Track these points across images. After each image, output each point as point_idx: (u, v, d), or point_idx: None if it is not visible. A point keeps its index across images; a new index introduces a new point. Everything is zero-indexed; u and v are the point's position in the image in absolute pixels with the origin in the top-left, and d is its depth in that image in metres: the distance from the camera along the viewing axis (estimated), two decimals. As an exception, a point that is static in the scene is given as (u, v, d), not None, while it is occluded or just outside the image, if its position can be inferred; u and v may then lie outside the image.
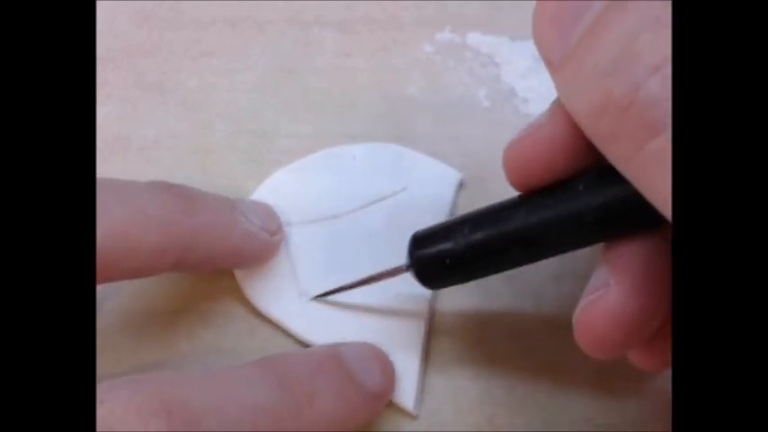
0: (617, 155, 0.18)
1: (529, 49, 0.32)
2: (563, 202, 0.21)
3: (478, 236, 0.22)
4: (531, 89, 0.31)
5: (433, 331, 0.27)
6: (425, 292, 0.27)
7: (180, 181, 0.26)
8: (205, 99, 0.32)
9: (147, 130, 0.31)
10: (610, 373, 0.26)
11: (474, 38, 0.32)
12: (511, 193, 0.28)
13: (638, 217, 0.20)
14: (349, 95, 0.31)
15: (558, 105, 0.21)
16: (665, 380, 0.26)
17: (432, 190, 0.28)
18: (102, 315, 0.28)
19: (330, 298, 0.27)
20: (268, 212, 0.27)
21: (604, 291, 0.20)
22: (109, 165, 0.30)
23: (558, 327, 0.27)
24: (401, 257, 0.25)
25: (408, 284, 0.27)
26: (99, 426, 0.19)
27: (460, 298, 0.28)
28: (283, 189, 0.29)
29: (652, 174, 0.17)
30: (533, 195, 0.21)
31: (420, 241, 0.23)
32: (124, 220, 0.23)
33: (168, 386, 0.21)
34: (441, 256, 0.23)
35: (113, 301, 0.28)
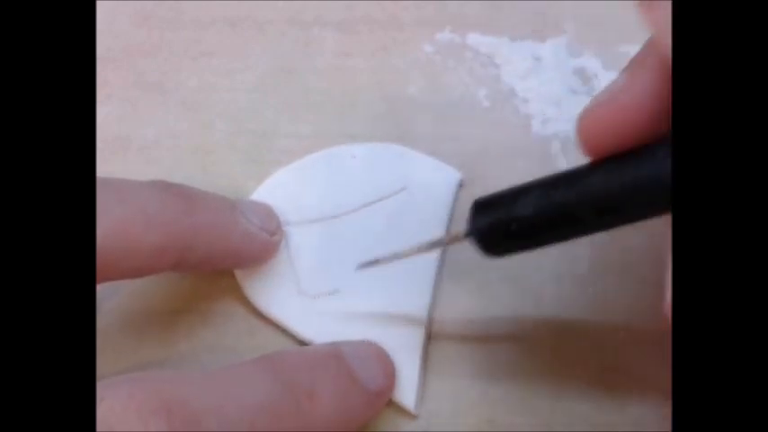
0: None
1: (529, 49, 0.32)
2: (643, 167, 0.20)
3: (548, 201, 0.21)
4: (531, 89, 0.31)
5: (434, 331, 0.27)
6: (425, 292, 0.27)
7: (180, 181, 0.26)
8: (205, 99, 0.32)
9: (147, 130, 0.31)
10: (610, 373, 0.26)
11: (474, 38, 0.32)
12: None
13: None
14: (349, 95, 0.31)
15: (635, 69, 0.20)
16: (665, 380, 0.26)
17: (432, 190, 0.28)
18: (102, 315, 0.28)
19: (330, 297, 0.27)
20: (268, 212, 0.27)
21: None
22: (109, 165, 0.30)
23: (557, 327, 0.27)
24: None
25: (409, 284, 0.27)
26: (99, 424, 0.19)
27: (461, 298, 0.28)
28: (283, 189, 0.29)
29: None
30: (609, 161, 0.20)
31: (483, 207, 0.22)
32: (124, 219, 0.23)
33: (168, 385, 0.21)
34: (506, 220, 0.22)
35: (113, 300, 0.28)
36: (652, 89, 0.20)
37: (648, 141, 0.20)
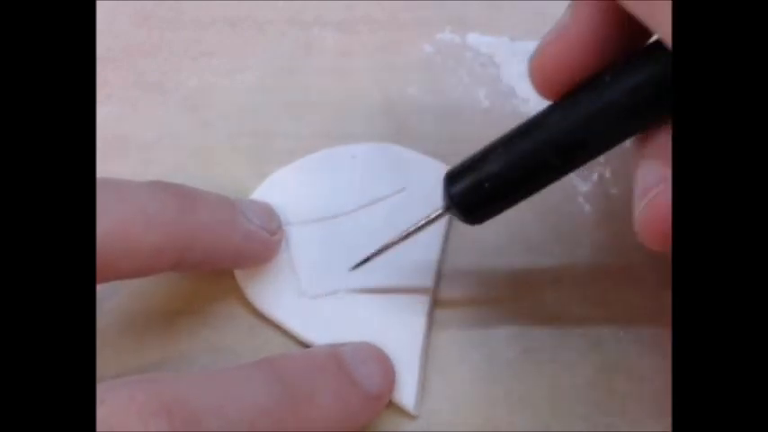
0: None
1: (529, 49, 0.31)
2: (592, 96, 0.20)
3: (514, 151, 0.21)
4: (531, 89, 0.31)
5: (434, 331, 0.27)
6: (425, 292, 0.27)
7: (180, 181, 0.26)
8: (205, 99, 0.32)
9: (147, 130, 0.31)
10: (610, 372, 0.27)
11: (474, 38, 0.32)
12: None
13: (668, 94, 0.19)
14: (349, 95, 0.31)
15: (577, 4, 0.21)
16: (665, 380, 0.26)
17: (431, 190, 0.28)
18: (102, 315, 0.28)
19: (330, 297, 0.27)
20: (268, 212, 0.27)
21: (664, 185, 0.20)
22: (109, 165, 0.30)
23: (558, 326, 0.27)
24: (401, 257, 0.25)
25: (409, 284, 0.27)
26: (99, 426, 0.19)
27: (461, 298, 0.28)
28: (283, 189, 0.29)
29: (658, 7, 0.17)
30: (563, 99, 0.21)
31: (454, 176, 0.23)
32: (124, 219, 0.23)
33: (168, 386, 0.21)
34: (478, 181, 0.22)
35: (113, 301, 0.28)
36: (594, 21, 0.20)
37: (598, 71, 0.20)
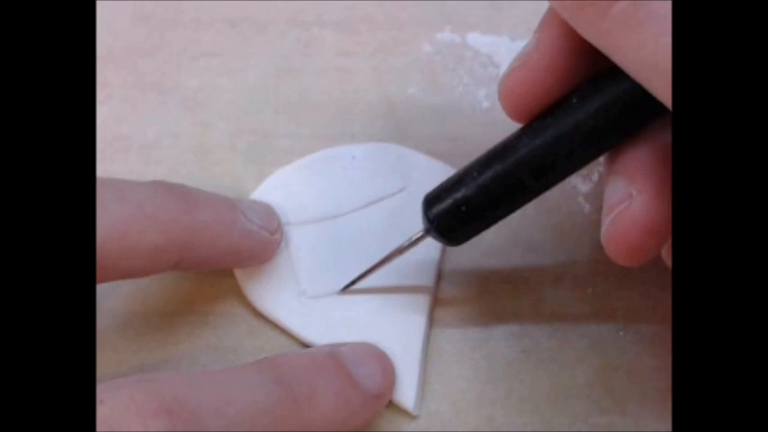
0: (586, 24, 0.19)
1: (529, 50, 0.32)
2: (560, 118, 0.21)
3: (488, 174, 0.22)
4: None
5: (433, 331, 0.27)
6: (425, 292, 0.27)
7: (180, 181, 0.26)
8: (205, 99, 0.32)
9: (147, 130, 0.31)
10: (610, 372, 0.27)
11: (474, 38, 0.32)
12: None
13: (634, 114, 0.20)
14: (349, 95, 0.31)
15: (542, 29, 0.21)
16: (665, 380, 0.26)
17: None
18: (102, 315, 0.28)
19: (330, 297, 0.27)
20: (268, 211, 0.27)
21: (629, 202, 0.20)
22: (109, 165, 0.30)
23: (558, 327, 0.27)
24: (402, 257, 0.25)
25: (408, 284, 0.27)
26: (99, 426, 0.19)
27: (460, 298, 0.28)
28: (283, 189, 0.29)
29: (618, 37, 0.18)
30: (533, 122, 0.22)
31: (432, 200, 0.23)
32: (124, 219, 0.23)
33: (168, 386, 0.21)
34: (456, 205, 0.23)
35: (113, 301, 0.28)
36: (556, 46, 0.21)
37: (565, 94, 0.21)
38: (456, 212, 0.23)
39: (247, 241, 0.26)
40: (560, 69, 0.21)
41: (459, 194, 0.23)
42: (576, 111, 0.21)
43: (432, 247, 0.28)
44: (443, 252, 0.28)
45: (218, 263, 0.26)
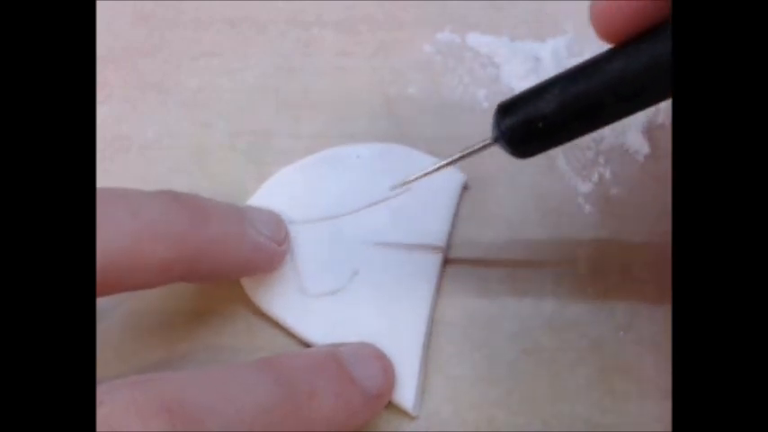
0: None
1: (529, 49, 0.32)
2: (656, 43, 0.20)
3: (571, 93, 0.21)
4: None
5: (433, 331, 0.27)
6: (426, 292, 0.27)
7: (180, 181, 0.26)
8: (205, 99, 0.32)
9: (147, 130, 0.31)
10: (610, 372, 0.27)
11: (474, 38, 0.32)
12: (512, 197, 0.28)
13: None
14: (349, 95, 0.31)
15: None
16: (665, 380, 0.26)
17: (435, 191, 0.28)
18: (102, 316, 0.28)
19: (332, 297, 0.27)
20: (276, 222, 0.27)
21: None
22: (109, 165, 0.30)
23: (558, 327, 0.27)
24: (402, 257, 0.25)
25: (410, 284, 0.27)
26: (99, 426, 0.19)
27: (460, 298, 0.28)
28: (287, 188, 0.29)
29: None
30: (625, 45, 0.21)
31: (507, 109, 0.23)
32: (136, 235, 0.22)
33: (169, 386, 0.21)
34: (532, 119, 0.22)
35: (113, 301, 0.28)
36: None
37: (663, 20, 0.20)
38: (531, 127, 0.22)
39: (256, 253, 0.26)
40: None
41: (536, 109, 0.22)
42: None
43: (432, 247, 0.28)
44: (444, 253, 0.28)
45: (225, 275, 0.26)
